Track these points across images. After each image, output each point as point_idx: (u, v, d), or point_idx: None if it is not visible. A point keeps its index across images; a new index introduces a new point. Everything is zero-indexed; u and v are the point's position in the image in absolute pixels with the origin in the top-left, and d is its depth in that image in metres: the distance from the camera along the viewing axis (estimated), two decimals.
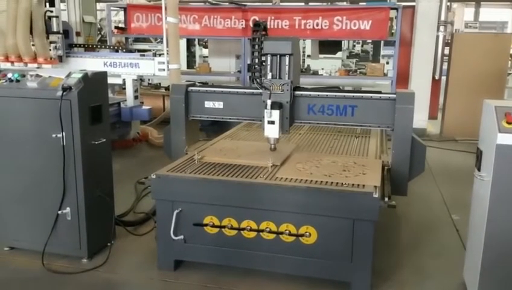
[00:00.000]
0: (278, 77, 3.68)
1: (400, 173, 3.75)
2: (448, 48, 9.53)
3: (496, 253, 3.02)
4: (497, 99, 3.06)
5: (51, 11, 7.00)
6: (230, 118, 4.23)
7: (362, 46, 13.28)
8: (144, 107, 7.61)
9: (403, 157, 3.71)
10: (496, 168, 2.89)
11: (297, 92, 3.86)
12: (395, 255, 4.02)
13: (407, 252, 4.10)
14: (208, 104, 4.12)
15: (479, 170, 3.12)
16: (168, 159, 4.19)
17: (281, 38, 3.91)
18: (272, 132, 3.72)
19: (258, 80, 3.63)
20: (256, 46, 3.60)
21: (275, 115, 3.65)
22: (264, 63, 3.66)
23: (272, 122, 3.66)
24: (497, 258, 3.03)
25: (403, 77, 8.99)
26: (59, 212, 3.66)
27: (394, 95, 3.72)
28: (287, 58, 3.65)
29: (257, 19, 8.62)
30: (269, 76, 3.68)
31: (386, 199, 3.24)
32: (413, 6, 9.08)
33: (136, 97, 7.47)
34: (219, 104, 4.08)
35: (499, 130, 2.84)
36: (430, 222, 4.84)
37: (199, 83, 6.40)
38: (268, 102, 3.64)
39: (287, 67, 3.66)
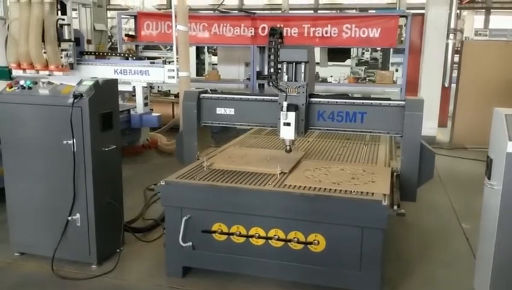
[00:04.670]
0: (293, 80, 3.72)
1: (409, 179, 3.74)
2: (458, 55, 9.49)
3: (506, 262, 2.99)
4: (508, 108, 3.04)
5: (63, 19, 7.09)
6: (241, 124, 4.27)
7: (371, 53, 13.24)
8: (153, 114, 7.66)
9: (412, 164, 3.71)
10: (506, 176, 2.87)
11: (309, 99, 3.87)
12: (404, 263, 3.99)
13: (416, 260, 4.07)
14: (220, 110, 4.16)
15: (489, 178, 3.10)
16: (180, 164, 4.21)
17: (297, 46, 3.94)
18: (287, 133, 3.73)
19: (274, 82, 3.66)
20: (272, 51, 3.62)
21: (291, 116, 3.67)
22: (279, 71, 3.69)
23: (288, 124, 3.68)
24: (508, 268, 2.99)
25: (412, 85, 8.97)
26: (69, 218, 3.68)
27: (403, 102, 3.71)
28: (302, 65, 3.68)
29: (266, 27, 8.71)
30: (285, 79, 3.72)
31: (395, 207, 3.23)
32: (423, 14, 9.08)
33: (145, 104, 7.51)
34: (230, 111, 4.12)
35: (510, 139, 2.82)
36: (440, 230, 4.80)
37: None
38: (284, 104, 3.67)
39: (302, 74, 3.69)
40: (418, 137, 3.67)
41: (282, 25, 8.75)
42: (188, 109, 4.22)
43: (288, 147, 3.92)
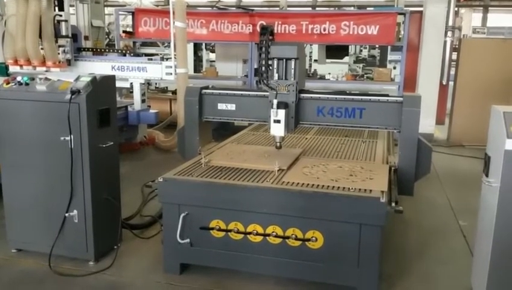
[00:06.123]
0: (284, 78, 3.77)
1: (406, 173, 3.79)
2: (455, 53, 9.50)
3: (503, 259, 2.99)
4: (505, 105, 3.04)
5: (60, 15, 7.07)
6: (242, 120, 4.35)
7: (369, 51, 13.22)
8: (151, 110, 7.65)
9: (410, 158, 3.75)
10: (504, 174, 2.88)
11: (306, 95, 3.93)
12: (402, 260, 4.00)
13: (414, 257, 4.08)
14: (221, 106, 4.21)
15: (487, 175, 3.11)
16: (179, 160, 4.22)
17: (287, 43, 4.04)
18: (277, 130, 3.81)
19: (264, 81, 3.70)
20: (263, 50, 3.66)
21: (281, 114, 3.74)
22: (270, 67, 3.73)
23: (278, 121, 3.76)
24: (505, 265, 3.00)
25: (410, 82, 8.95)
26: (66, 214, 3.68)
27: (401, 98, 3.76)
28: (292, 62, 3.74)
29: (264, 24, 8.70)
30: (275, 77, 3.78)
31: (393, 204, 3.23)
32: (421, 12, 9.06)
33: (143, 101, 7.51)
34: (231, 106, 4.18)
35: (508, 136, 2.83)
36: (437, 227, 4.81)
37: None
38: (275, 102, 3.73)
39: (292, 70, 3.74)
40: (415, 132, 3.71)
41: (281, 22, 8.76)
42: (189, 105, 4.25)
43: (278, 144, 3.98)
